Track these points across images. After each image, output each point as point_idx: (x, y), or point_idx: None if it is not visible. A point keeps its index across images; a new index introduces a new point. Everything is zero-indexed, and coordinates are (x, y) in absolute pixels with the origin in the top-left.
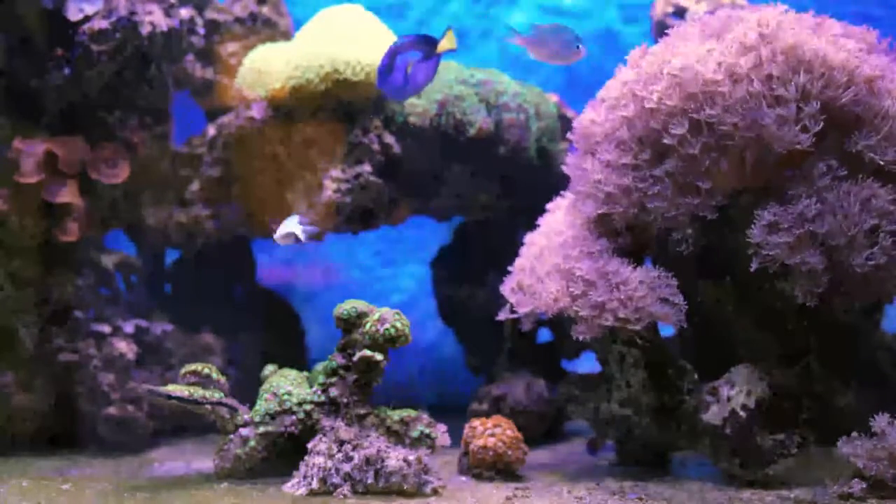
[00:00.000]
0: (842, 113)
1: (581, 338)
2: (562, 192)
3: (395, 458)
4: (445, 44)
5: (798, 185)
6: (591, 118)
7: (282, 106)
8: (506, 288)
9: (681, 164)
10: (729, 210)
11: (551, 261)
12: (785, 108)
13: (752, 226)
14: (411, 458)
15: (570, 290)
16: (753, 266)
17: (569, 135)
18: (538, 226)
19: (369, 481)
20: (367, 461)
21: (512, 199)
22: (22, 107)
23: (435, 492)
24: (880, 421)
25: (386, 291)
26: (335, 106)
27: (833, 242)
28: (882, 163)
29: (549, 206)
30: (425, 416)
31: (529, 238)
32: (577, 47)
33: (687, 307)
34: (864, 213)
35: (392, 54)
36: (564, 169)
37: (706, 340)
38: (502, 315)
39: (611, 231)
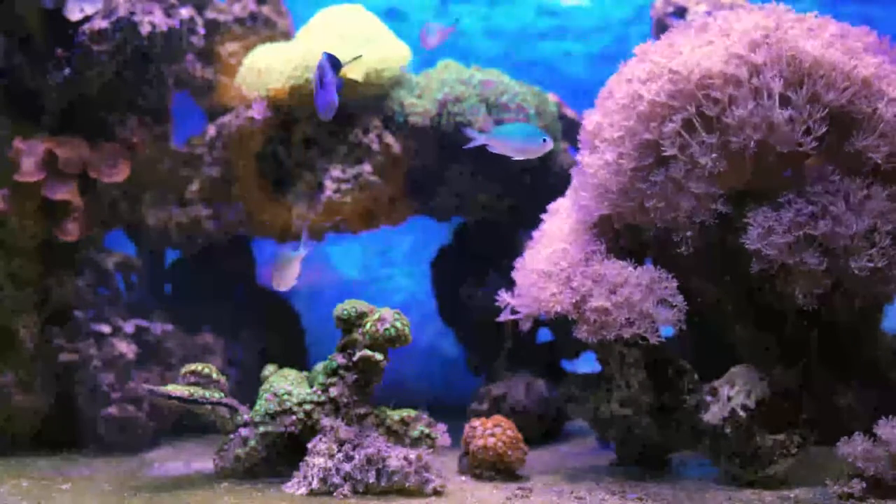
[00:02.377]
0: (840, 113)
1: (586, 339)
2: (564, 193)
3: (396, 457)
4: (349, 71)
5: (797, 187)
6: (596, 117)
7: (282, 106)
8: (506, 289)
9: (680, 165)
10: (729, 211)
11: (551, 262)
12: (791, 109)
13: (748, 230)
14: (412, 457)
15: (570, 293)
16: (754, 269)
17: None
18: (540, 225)
19: (370, 481)
20: (368, 461)
21: (512, 199)
22: (22, 107)
23: (436, 491)
24: (884, 426)
25: (386, 291)
26: None
27: (832, 246)
28: (880, 161)
29: (550, 206)
30: (425, 416)
31: (533, 238)
32: (544, 140)
33: (687, 307)
34: (862, 215)
35: (321, 69)
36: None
37: (706, 340)
38: (503, 316)
39: (611, 232)
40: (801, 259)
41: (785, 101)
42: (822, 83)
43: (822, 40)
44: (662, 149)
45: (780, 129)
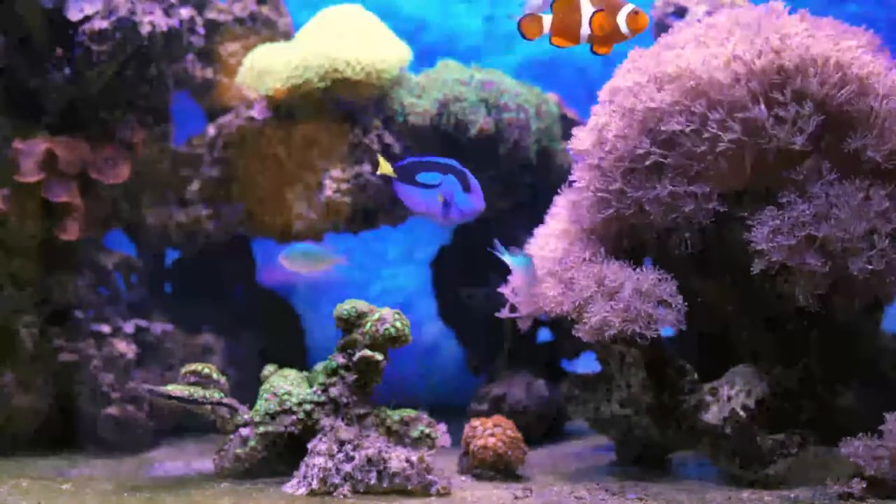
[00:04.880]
0: (838, 113)
1: (585, 339)
2: (560, 192)
3: (398, 458)
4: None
5: (796, 187)
6: (591, 123)
7: (282, 106)
8: (507, 288)
9: (678, 167)
10: (729, 211)
11: (552, 262)
12: (781, 108)
13: (754, 229)
14: (413, 458)
15: (571, 293)
16: (755, 269)
17: (569, 143)
18: (541, 225)
19: (372, 482)
20: (369, 461)
21: (512, 198)
22: (22, 107)
23: (439, 493)
24: (889, 422)
25: (386, 291)
26: (335, 106)
27: (832, 247)
28: (879, 160)
29: (552, 206)
30: (425, 416)
31: (533, 237)
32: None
33: (687, 307)
34: (862, 215)
35: (461, 176)
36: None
37: (706, 340)
38: (502, 313)
39: (611, 232)
40: (803, 260)
41: (780, 102)
42: (818, 83)
43: (819, 39)
44: (662, 148)
45: (775, 129)
